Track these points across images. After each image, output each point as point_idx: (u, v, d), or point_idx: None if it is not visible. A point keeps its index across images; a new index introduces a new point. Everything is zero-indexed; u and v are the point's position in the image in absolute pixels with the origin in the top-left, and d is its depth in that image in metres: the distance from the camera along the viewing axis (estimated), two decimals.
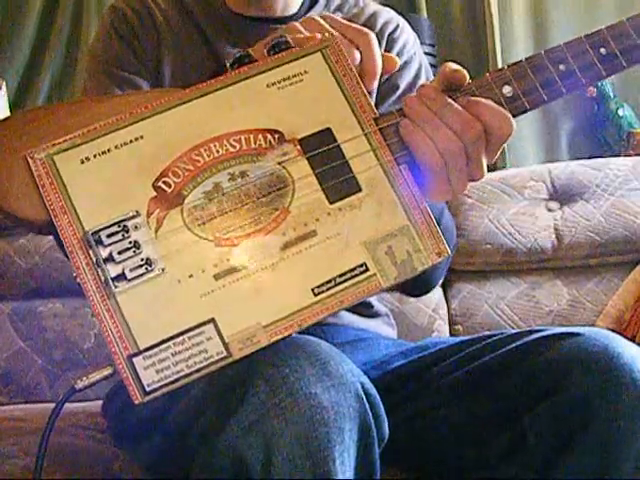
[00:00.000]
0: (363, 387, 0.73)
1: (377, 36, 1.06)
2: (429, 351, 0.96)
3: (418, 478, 0.94)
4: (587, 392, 0.77)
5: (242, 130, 0.74)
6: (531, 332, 0.86)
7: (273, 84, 0.76)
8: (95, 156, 0.72)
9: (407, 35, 1.11)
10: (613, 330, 1.48)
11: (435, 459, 0.92)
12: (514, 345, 0.85)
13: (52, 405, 0.73)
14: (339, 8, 1.11)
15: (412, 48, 1.11)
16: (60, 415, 0.72)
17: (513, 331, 0.89)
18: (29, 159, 0.72)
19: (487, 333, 0.92)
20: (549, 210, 1.71)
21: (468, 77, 0.75)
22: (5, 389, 1.56)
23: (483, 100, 0.74)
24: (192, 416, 0.75)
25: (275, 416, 0.67)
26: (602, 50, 0.77)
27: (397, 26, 1.10)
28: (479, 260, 1.70)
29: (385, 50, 1.07)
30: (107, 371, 0.70)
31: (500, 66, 2.09)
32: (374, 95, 1.03)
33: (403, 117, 0.75)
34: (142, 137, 0.73)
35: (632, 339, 1.50)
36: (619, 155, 1.98)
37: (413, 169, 0.74)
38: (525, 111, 0.77)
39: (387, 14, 1.12)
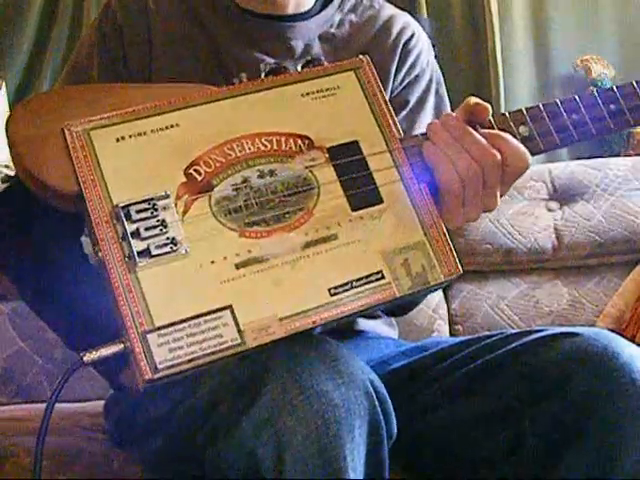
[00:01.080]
0: (373, 385, 0.73)
1: (392, 43, 1.05)
2: (429, 351, 0.96)
3: (418, 478, 0.94)
4: (586, 392, 0.77)
5: (274, 132, 0.78)
6: (531, 332, 0.86)
7: (307, 94, 0.80)
8: (130, 136, 0.75)
9: (422, 44, 1.09)
10: (613, 330, 1.48)
11: (435, 459, 0.92)
12: (514, 345, 0.85)
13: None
14: (353, 9, 1.09)
15: (425, 58, 1.09)
16: (62, 413, 0.72)
17: (513, 331, 0.90)
18: (66, 131, 0.74)
19: (487, 333, 0.93)
20: (549, 210, 1.71)
21: (490, 114, 0.80)
22: (5, 389, 1.56)
23: (502, 133, 0.78)
24: (203, 414, 0.75)
25: (287, 414, 0.68)
26: (612, 106, 0.83)
27: (413, 34, 1.09)
28: (479, 260, 1.70)
29: (398, 60, 1.06)
30: (117, 347, 0.69)
31: (500, 66, 2.09)
32: None
33: (426, 140, 0.79)
34: (178, 125, 0.76)
35: (632, 339, 1.50)
36: (619, 155, 1.98)
37: (432, 189, 0.77)
38: (539, 152, 0.82)
39: (403, 19, 1.10)
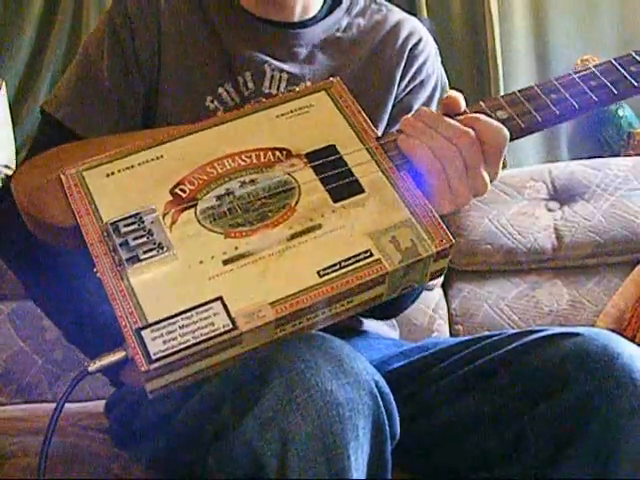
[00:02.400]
0: (377, 385, 0.74)
1: (399, 48, 1.06)
2: (429, 351, 0.96)
3: (418, 478, 0.94)
4: (586, 392, 0.77)
5: (253, 149, 0.81)
6: (531, 332, 0.86)
7: (282, 115, 0.84)
8: (119, 171, 0.81)
9: (429, 50, 1.09)
10: (613, 330, 1.48)
11: (435, 459, 0.92)
12: (514, 345, 0.85)
13: (52, 405, 0.73)
14: (361, 13, 1.09)
15: (431, 65, 1.09)
16: (63, 411, 0.73)
17: (513, 331, 0.90)
18: (62, 176, 0.80)
19: (487, 333, 0.93)
20: (549, 210, 1.71)
21: (464, 104, 0.81)
22: (5, 389, 1.56)
23: (477, 114, 0.79)
24: (206, 413, 0.75)
25: (291, 412, 0.68)
26: (592, 82, 0.83)
27: (420, 39, 1.09)
28: (479, 260, 1.70)
29: (404, 65, 1.06)
30: (119, 355, 0.71)
31: (499, 66, 2.09)
32: (386, 117, 1.04)
33: (400, 133, 0.80)
34: (162, 156, 0.82)
35: (632, 339, 1.51)
36: (619, 155, 1.98)
37: (414, 176, 0.78)
38: (521, 130, 0.81)
39: (410, 25, 1.10)
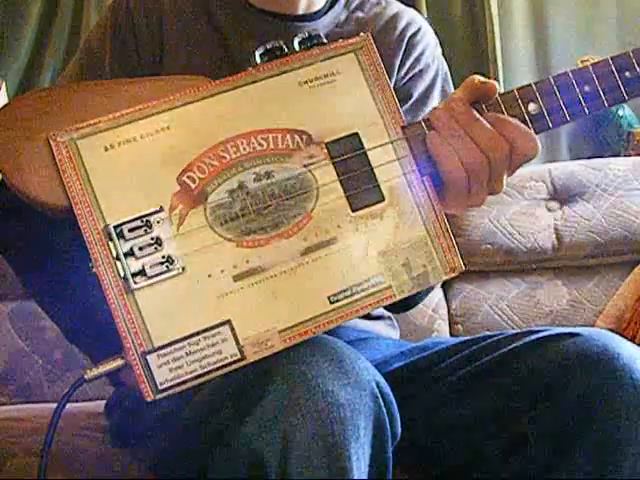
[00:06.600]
0: (378, 385, 0.74)
1: (397, 37, 1.05)
2: (429, 351, 0.96)
3: (418, 478, 0.94)
4: (586, 392, 0.77)
5: (270, 129, 0.74)
6: (531, 332, 0.86)
7: (305, 82, 0.76)
8: (119, 144, 0.71)
9: (428, 40, 1.09)
10: (613, 330, 1.48)
11: (435, 459, 0.92)
12: (514, 345, 0.85)
13: (52, 405, 0.73)
14: (360, 7, 1.09)
15: (431, 55, 1.08)
16: (62, 413, 0.72)
17: (513, 331, 0.89)
18: (51, 141, 0.70)
19: (487, 333, 0.92)
20: (549, 210, 1.71)
21: (498, 89, 0.76)
22: (5, 389, 1.56)
23: (512, 120, 0.75)
24: (207, 414, 0.75)
25: (292, 413, 0.68)
26: (627, 73, 0.78)
27: (418, 29, 1.08)
28: (479, 260, 1.70)
29: (403, 54, 1.06)
30: (116, 363, 0.69)
31: (500, 66, 2.09)
32: None
33: (430, 128, 0.76)
34: (168, 128, 0.73)
35: (632, 339, 1.50)
36: (619, 155, 1.98)
37: (435, 180, 0.75)
38: (547, 129, 0.78)
39: (409, 15, 1.09)
